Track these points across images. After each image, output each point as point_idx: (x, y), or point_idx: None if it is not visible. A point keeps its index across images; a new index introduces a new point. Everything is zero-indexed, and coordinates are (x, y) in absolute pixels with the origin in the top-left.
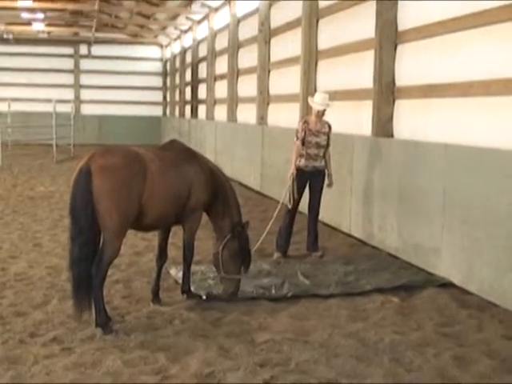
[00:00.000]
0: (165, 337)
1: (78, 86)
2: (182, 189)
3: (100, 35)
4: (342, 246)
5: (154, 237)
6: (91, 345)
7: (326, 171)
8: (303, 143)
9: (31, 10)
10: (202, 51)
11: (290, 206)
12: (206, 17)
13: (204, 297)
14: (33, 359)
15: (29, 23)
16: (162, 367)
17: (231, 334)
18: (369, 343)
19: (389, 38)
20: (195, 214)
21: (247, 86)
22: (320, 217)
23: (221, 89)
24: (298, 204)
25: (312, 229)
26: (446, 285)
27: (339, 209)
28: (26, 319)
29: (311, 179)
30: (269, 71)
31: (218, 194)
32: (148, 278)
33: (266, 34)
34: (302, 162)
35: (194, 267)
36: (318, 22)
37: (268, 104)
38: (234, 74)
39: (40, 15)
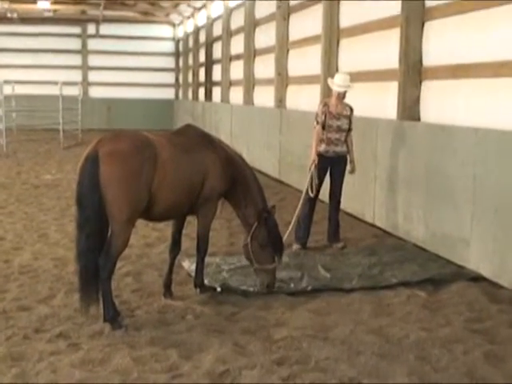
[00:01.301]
0: (177, 333)
1: (85, 68)
2: (196, 177)
3: (109, 13)
4: (365, 237)
5: (166, 227)
6: (99, 341)
7: (348, 157)
8: (323, 127)
9: None
10: (217, 30)
11: (311, 194)
12: None
13: (218, 289)
14: (38, 356)
15: (34, 1)
16: (174, 365)
17: (247, 330)
18: (393, 340)
19: (416, 15)
20: (210, 203)
21: (264, 67)
22: (341, 206)
23: (236, 70)
24: (318, 192)
25: (333, 218)
26: (477, 278)
27: (362, 197)
28: (30, 314)
29: (332, 165)
30: (287, 51)
31: (237, 182)
32: (159, 271)
33: (285, 10)
34: (323, 148)
35: (208, 259)
36: None
37: (287, 86)
38: (251, 54)
39: None
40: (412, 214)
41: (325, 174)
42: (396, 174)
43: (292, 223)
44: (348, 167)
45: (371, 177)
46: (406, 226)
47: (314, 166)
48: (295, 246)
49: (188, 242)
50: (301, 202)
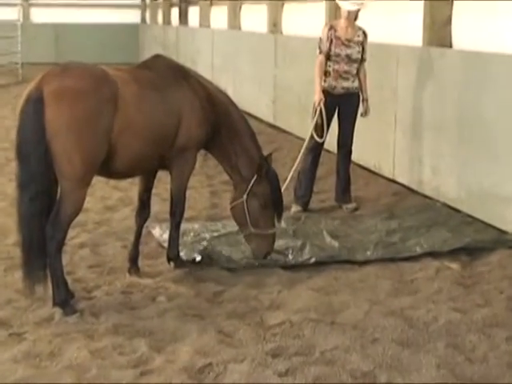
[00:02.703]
0: (145, 318)
1: None
2: (168, 121)
3: None
4: (383, 196)
5: (131, 186)
6: (48, 330)
7: (361, 94)
8: (329, 57)
9: None
10: None
11: (318, 139)
12: None
13: (198, 258)
14: None
15: None
16: (142, 358)
17: (234, 314)
18: (418, 324)
19: None
20: (187, 155)
21: None
22: (353, 157)
23: None
24: (324, 138)
25: (342, 173)
26: None
27: (379, 145)
28: None
29: (341, 105)
30: None
31: (223, 127)
32: (123, 241)
33: None
34: (328, 83)
35: (184, 226)
36: None
37: (283, 5)
38: None
39: None
40: (441, 166)
41: (331, 117)
42: (421, 115)
43: (288, 178)
44: (361, 108)
45: (390, 119)
46: (433, 182)
47: (320, 105)
48: (294, 208)
49: (159, 205)
50: (302, 151)
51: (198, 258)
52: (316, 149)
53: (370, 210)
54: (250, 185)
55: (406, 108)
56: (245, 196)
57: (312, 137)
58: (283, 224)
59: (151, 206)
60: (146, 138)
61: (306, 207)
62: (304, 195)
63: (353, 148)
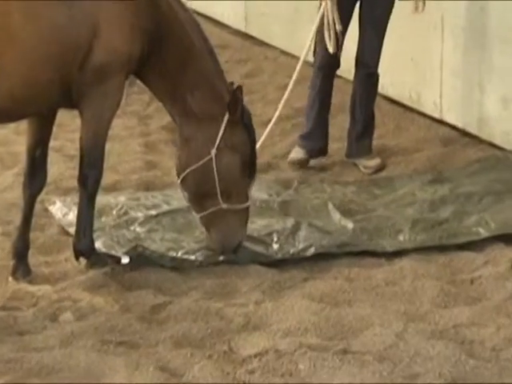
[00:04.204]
0: (41, 349)
1: None
2: (75, 31)
3: None
4: (425, 146)
5: (15, 136)
6: None
7: None
8: None
9: None
10: None
11: (330, 49)
12: None
13: (124, 260)
14: None
15: None
16: None
17: (185, 341)
18: (483, 352)
19: None
20: (106, 84)
21: None
22: (380, 84)
23: None
24: (337, 52)
25: (360, 109)
26: None
27: (418, 66)
28: None
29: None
30: None
31: (167, 40)
32: (3, 226)
33: None
34: None
35: (103, 199)
36: None
37: None
38: None
39: None
40: None
41: (348, 19)
42: (483, 18)
43: (272, 121)
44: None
45: (435, 24)
46: (504, 121)
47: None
48: (295, 154)
49: (61, 166)
50: (296, 72)
51: (124, 261)
52: (327, 66)
53: (404, 168)
54: (221, 132)
55: (459, 7)
56: (213, 151)
57: (316, 46)
58: (264, 194)
59: (48, 169)
60: (40, 57)
61: (314, 155)
62: (312, 135)
63: (378, 69)
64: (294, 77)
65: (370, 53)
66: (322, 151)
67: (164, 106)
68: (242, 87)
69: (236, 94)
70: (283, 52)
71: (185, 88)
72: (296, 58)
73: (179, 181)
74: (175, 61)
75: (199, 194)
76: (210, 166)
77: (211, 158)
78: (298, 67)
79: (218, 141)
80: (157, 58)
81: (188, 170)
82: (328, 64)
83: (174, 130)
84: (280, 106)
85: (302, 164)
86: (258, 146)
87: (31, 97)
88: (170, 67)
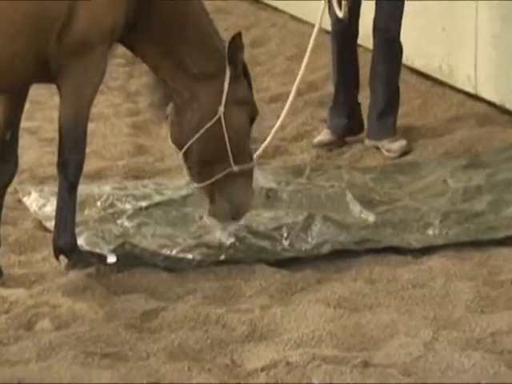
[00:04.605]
0: (15, 363)
1: None
2: None
3: None
4: (458, 125)
5: None
6: None
7: None
8: None
9: None
10: None
11: (340, 14)
12: None
13: (111, 259)
14: None
15: None
16: None
17: (181, 353)
18: None
19: None
20: (89, 56)
21: None
22: (405, 55)
23: None
24: (351, 17)
25: (381, 83)
26: None
27: (449, 33)
28: None
29: None
30: None
31: (155, 5)
32: None
33: None
34: None
35: (86, 188)
36: None
37: None
38: None
39: None
40: None
41: None
42: None
43: (292, 94)
44: None
45: None
46: None
47: None
48: (322, 136)
49: (37, 150)
50: (312, 38)
51: (112, 259)
52: (341, 33)
53: (432, 152)
54: (226, 87)
55: None
56: (221, 108)
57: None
58: (273, 183)
59: (21, 154)
60: (9, 22)
61: (344, 135)
62: (335, 110)
63: (400, 39)
64: (310, 46)
65: (388, 15)
66: (351, 129)
67: (155, 73)
68: (241, 35)
69: (235, 40)
70: (293, 17)
71: (182, 49)
72: (307, 24)
73: (181, 153)
74: (169, 23)
75: (207, 161)
76: (218, 127)
77: (219, 118)
78: (313, 35)
79: (224, 97)
80: (146, 23)
81: (195, 137)
82: (341, 30)
83: (160, 105)
84: (296, 83)
85: (329, 146)
86: (273, 131)
87: (2, 70)
88: (163, 30)
